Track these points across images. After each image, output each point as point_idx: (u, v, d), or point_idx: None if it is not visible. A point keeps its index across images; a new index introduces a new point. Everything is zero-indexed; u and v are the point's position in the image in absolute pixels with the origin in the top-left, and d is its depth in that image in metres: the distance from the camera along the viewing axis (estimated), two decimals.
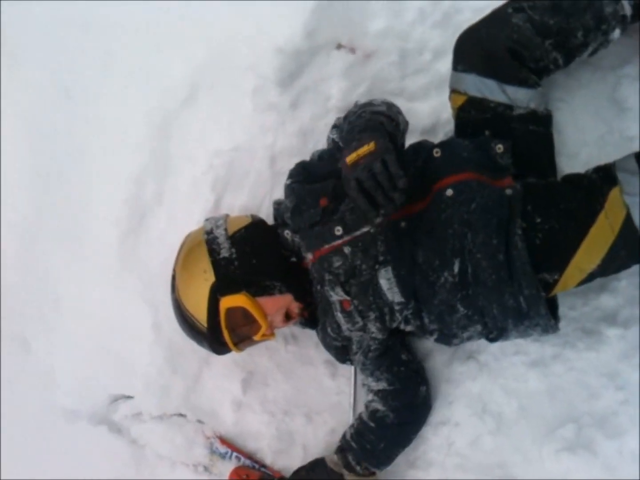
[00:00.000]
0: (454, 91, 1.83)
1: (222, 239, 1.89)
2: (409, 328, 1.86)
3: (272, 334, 1.94)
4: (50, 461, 2.41)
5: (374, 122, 1.62)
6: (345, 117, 1.89)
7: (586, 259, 1.63)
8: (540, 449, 1.86)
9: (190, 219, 2.21)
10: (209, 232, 1.92)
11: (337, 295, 1.82)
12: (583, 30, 1.68)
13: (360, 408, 2.07)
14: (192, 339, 1.94)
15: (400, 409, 1.97)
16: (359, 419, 2.03)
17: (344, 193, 1.64)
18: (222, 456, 2.28)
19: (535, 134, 1.80)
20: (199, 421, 2.33)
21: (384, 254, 1.74)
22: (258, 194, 2.25)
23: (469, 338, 1.83)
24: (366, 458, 1.99)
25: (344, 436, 2.04)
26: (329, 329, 1.93)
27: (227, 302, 1.84)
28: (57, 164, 2.52)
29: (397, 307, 1.78)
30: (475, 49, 1.75)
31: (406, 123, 1.78)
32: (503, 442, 1.93)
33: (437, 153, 1.76)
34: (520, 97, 1.74)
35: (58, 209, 2.51)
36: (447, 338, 1.84)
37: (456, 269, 1.68)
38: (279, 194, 2.20)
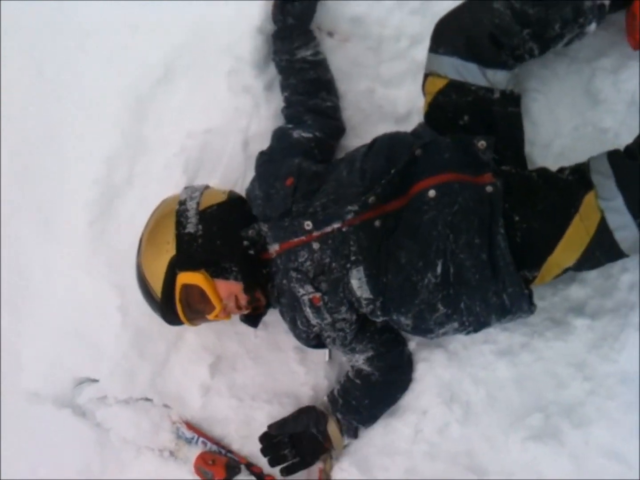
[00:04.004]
0: (432, 74, 1.82)
1: (191, 213, 1.87)
2: (377, 320, 1.87)
3: (227, 316, 1.93)
4: (12, 444, 2.36)
5: None
6: None
7: (563, 258, 1.67)
8: (507, 438, 1.87)
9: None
10: (182, 203, 1.91)
11: (305, 292, 1.82)
12: (561, 22, 1.70)
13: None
14: (148, 304, 1.93)
15: (385, 369, 2.01)
16: (346, 376, 2.09)
17: (312, 175, 1.81)
18: (188, 441, 2.25)
19: (514, 116, 1.83)
20: (166, 406, 2.30)
21: (356, 254, 1.74)
22: (230, 177, 2.22)
23: (444, 334, 1.84)
24: (351, 413, 2.05)
25: (331, 392, 2.10)
26: (298, 322, 1.93)
27: (184, 278, 1.83)
28: (28, 144, 2.47)
29: (364, 302, 1.79)
30: (457, 33, 1.75)
31: None
32: (470, 430, 1.93)
33: (418, 153, 1.74)
34: (499, 79, 1.75)
35: (28, 189, 2.46)
36: (422, 332, 1.86)
37: (439, 270, 1.68)
38: (252, 177, 2.19)
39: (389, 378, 2.03)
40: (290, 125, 2.07)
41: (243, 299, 1.89)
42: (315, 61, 2.08)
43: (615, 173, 1.61)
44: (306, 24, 2.06)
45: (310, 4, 2.04)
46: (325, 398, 2.11)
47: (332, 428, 2.05)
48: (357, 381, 2.04)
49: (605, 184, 1.61)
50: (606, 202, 1.59)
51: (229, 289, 1.86)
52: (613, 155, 1.66)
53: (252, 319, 2.03)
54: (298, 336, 2.01)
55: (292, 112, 2.09)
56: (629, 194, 1.57)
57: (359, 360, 2.01)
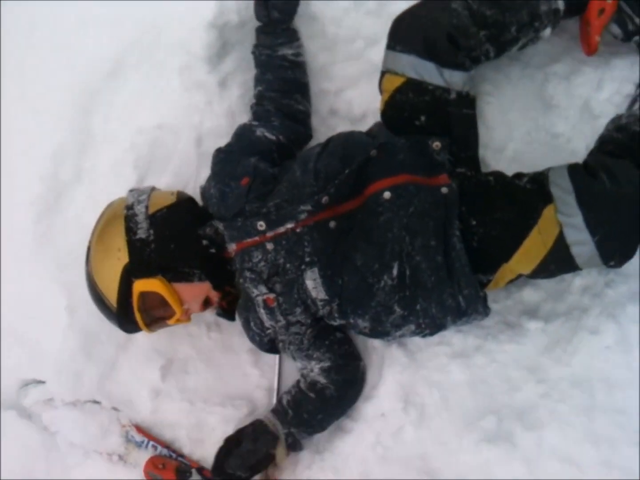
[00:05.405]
0: (389, 72, 1.80)
1: (141, 218, 1.82)
2: (335, 323, 1.86)
3: (188, 319, 1.91)
4: None
5: None
6: None
7: (518, 267, 1.70)
8: (461, 440, 1.86)
9: (109, 199, 2.11)
10: (130, 207, 1.85)
11: (259, 292, 1.81)
12: (517, 25, 1.72)
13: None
14: (103, 314, 1.88)
15: (342, 383, 1.98)
16: (297, 387, 2.03)
17: (268, 177, 1.80)
18: (138, 445, 2.21)
19: (469, 118, 1.82)
20: (115, 409, 2.26)
21: (311, 255, 1.74)
22: (183, 175, 2.18)
23: (401, 336, 1.85)
24: (301, 426, 2.00)
25: (279, 402, 2.04)
26: (252, 324, 1.91)
27: (141, 285, 1.79)
28: None
29: (319, 303, 1.79)
30: (415, 31, 1.73)
31: None
32: (424, 433, 1.93)
33: (373, 154, 1.73)
34: (456, 80, 1.74)
35: None
36: (379, 334, 1.86)
37: (395, 272, 1.69)
38: (205, 175, 2.14)
39: (343, 393, 2.01)
40: (255, 123, 2.01)
41: (215, 296, 1.88)
42: (296, 62, 2.04)
43: (576, 190, 1.61)
44: (290, 18, 2.01)
45: None
46: (272, 415, 2.02)
47: (280, 449, 1.99)
48: (311, 395, 1.99)
49: (565, 199, 1.61)
50: (565, 217, 1.60)
51: (193, 291, 1.84)
52: (574, 171, 1.66)
53: (228, 312, 2.00)
54: (252, 338, 1.98)
55: (261, 109, 2.03)
56: (589, 212, 1.59)
57: (314, 369, 1.98)
